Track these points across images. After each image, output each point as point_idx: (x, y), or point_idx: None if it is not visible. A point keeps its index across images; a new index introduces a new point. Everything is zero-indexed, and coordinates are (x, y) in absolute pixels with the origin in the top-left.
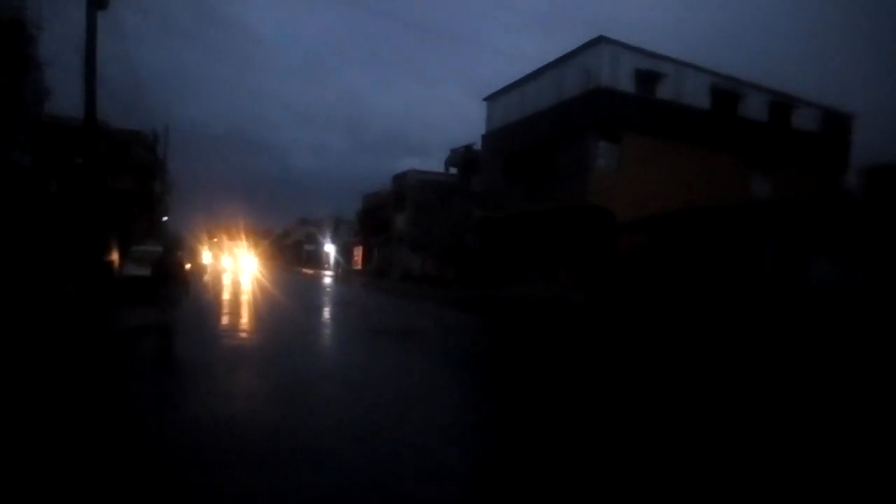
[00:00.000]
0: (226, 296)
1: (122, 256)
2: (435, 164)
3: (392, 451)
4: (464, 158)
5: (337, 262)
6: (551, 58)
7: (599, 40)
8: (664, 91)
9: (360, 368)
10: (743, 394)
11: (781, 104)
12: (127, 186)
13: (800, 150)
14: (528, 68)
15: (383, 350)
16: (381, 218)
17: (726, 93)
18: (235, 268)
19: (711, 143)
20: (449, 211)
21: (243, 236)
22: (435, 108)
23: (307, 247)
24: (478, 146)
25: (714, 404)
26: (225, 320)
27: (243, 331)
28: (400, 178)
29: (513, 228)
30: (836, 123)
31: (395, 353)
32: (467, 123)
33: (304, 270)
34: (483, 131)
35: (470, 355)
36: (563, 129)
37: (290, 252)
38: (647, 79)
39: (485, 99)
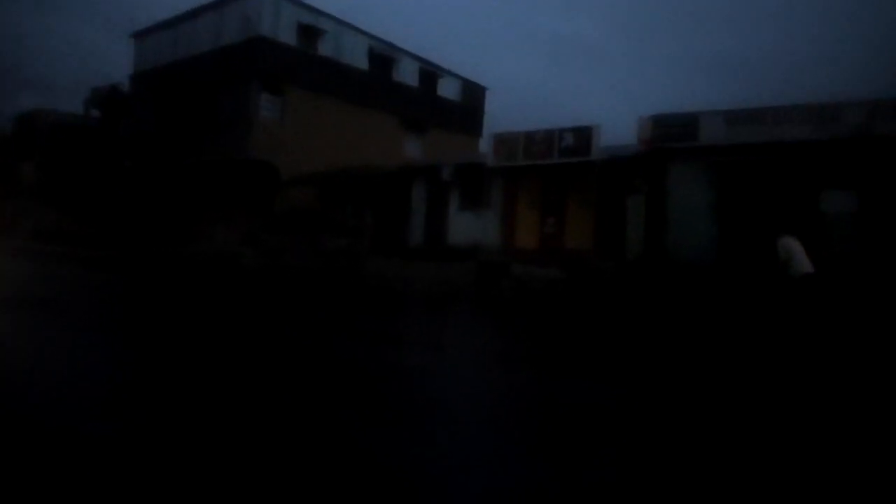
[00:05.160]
0: None
1: None
2: (66, 104)
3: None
4: (109, 100)
5: None
6: None
7: None
8: (325, 48)
9: None
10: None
11: (430, 72)
12: None
13: (446, 116)
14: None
15: (17, 328)
16: (1, 165)
17: (382, 56)
18: None
19: (370, 103)
20: (91, 159)
21: None
22: (57, 40)
23: None
24: (125, 87)
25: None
26: None
27: None
28: (26, 119)
29: (170, 180)
30: (474, 94)
31: (33, 328)
32: (106, 61)
33: None
34: (131, 71)
35: (123, 321)
36: (223, 77)
37: None
38: (309, 33)
39: (132, 35)
